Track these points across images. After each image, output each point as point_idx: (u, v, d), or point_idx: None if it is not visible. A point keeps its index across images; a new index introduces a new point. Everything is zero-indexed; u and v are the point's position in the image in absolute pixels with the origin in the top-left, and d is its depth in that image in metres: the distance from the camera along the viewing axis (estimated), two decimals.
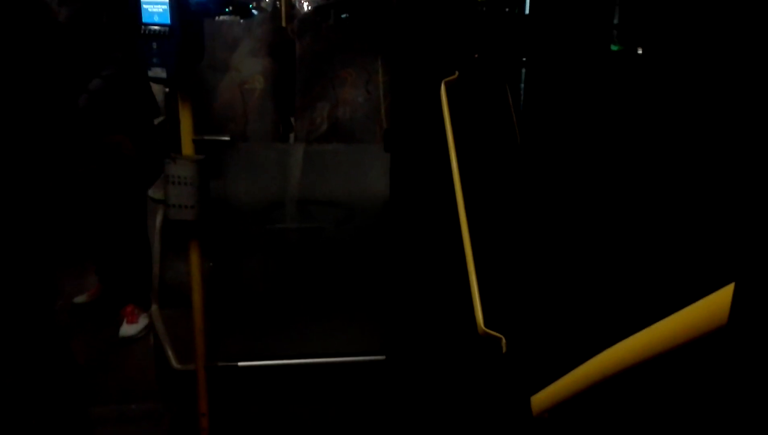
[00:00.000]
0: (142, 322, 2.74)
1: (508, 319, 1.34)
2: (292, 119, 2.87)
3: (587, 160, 1.57)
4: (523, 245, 1.60)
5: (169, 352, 2.01)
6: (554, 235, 1.56)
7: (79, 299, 2.90)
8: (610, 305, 1.21)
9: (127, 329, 2.73)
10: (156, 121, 4.42)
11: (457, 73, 1.66)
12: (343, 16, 3.08)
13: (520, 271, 1.54)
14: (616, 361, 0.80)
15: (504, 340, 1.31)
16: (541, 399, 1.06)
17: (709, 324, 0.55)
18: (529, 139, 1.79)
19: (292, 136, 2.87)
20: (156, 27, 1.67)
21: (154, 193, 2.36)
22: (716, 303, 0.54)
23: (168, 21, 1.67)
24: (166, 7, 1.66)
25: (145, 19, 1.68)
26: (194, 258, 1.84)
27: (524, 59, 1.95)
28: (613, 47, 1.78)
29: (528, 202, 1.70)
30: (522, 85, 2.03)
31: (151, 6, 1.68)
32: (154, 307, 2.30)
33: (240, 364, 1.95)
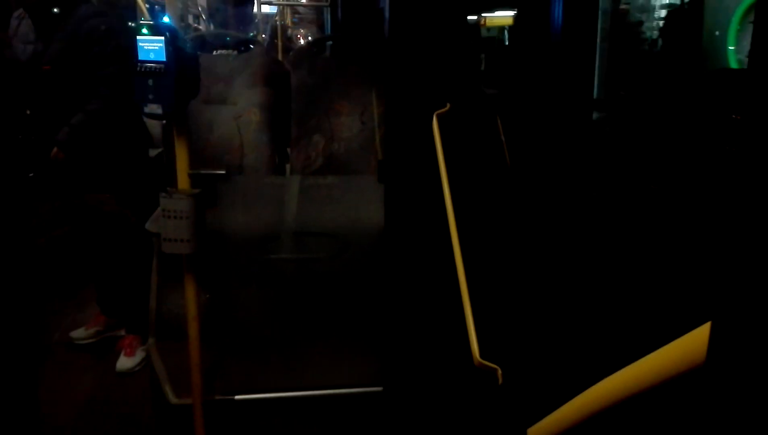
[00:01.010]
0: (140, 355, 2.71)
1: (504, 350, 1.34)
2: (288, 150, 2.89)
3: (579, 188, 1.59)
4: (517, 275, 1.60)
5: (166, 387, 2.00)
6: (548, 265, 1.57)
7: (77, 334, 2.88)
8: (606, 335, 1.22)
9: (125, 362, 2.69)
10: (153, 154, 4.46)
11: (448, 105, 1.68)
12: (329, 43, 3.14)
13: (515, 300, 1.54)
14: (611, 392, 0.80)
15: (500, 371, 1.31)
16: (538, 431, 1.06)
17: (688, 362, 0.56)
18: (520, 168, 1.81)
19: (288, 166, 2.90)
20: (152, 64, 1.70)
21: (150, 226, 2.38)
22: (694, 342, 0.55)
23: (164, 58, 1.70)
24: (161, 45, 1.69)
25: (140, 56, 1.71)
26: (190, 291, 1.85)
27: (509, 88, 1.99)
28: None
29: (521, 231, 1.72)
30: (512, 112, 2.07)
31: (147, 44, 1.71)
32: (150, 341, 2.30)
33: (237, 397, 1.94)
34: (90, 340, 2.86)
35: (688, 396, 0.63)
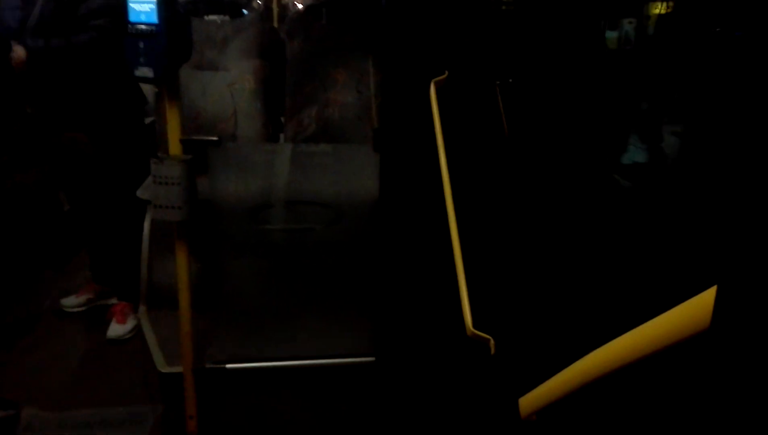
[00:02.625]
0: (131, 322, 2.67)
1: (497, 320, 1.33)
2: (283, 119, 2.85)
3: (575, 157, 1.57)
4: (511, 245, 1.59)
5: (157, 355, 1.99)
6: (542, 234, 1.55)
7: (68, 302, 2.85)
8: (600, 305, 1.21)
9: (116, 329, 2.64)
10: (147, 121, 4.40)
11: (446, 72, 1.65)
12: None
13: (508, 271, 1.53)
14: (603, 363, 0.79)
15: (492, 342, 1.30)
16: (530, 401, 1.05)
17: (692, 327, 0.54)
18: (518, 137, 1.78)
19: (282, 136, 2.86)
20: (143, 26, 1.65)
21: (141, 193, 2.34)
22: (699, 306, 0.53)
23: (155, 20, 1.65)
24: (153, 6, 1.64)
25: (131, 18, 1.66)
26: (181, 259, 1.83)
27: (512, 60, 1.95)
28: None
29: (516, 201, 1.70)
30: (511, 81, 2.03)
31: (138, 5, 1.66)
32: (142, 309, 2.29)
33: (228, 366, 1.93)
34: (81, 308, 2.83)
35: (689, 364, 0.61)
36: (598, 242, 1.36)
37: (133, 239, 2.57)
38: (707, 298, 0.53)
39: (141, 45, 1.68)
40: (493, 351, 1.25)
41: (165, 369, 1.96)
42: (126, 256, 2.61)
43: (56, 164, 2.70)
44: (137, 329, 2.55)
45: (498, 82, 1.77)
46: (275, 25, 3.96)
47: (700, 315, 0.55)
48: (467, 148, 1.70)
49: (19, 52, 2.36)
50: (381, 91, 2.04)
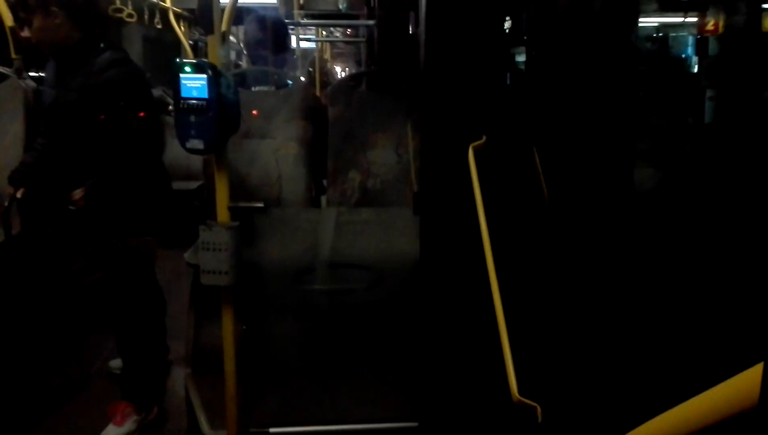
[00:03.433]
0: (128, 426, 2.44)
1: (544, 387, 1.31)
2: (324, 182, 2.93)
3: (617, 223, 1.56)
4: (555, 309, 1.57)
5: (202, 419, 2.00)
6: (586, 300, 1.53)
7: (115, 364, 2.83)
8: (647, 375, 1.18)
9: (109, 432, 2.42)
10: (194, 186, 4.55)
11: (484, 137, 1.68)
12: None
13: (554, 336, 1.51)
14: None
15: (539, 409, 1.27)
16: None
17: (741, 403, 0.54)
18: (558, 202, 1.79)
19: (324, 198, 2.93)
20: (194, 101, 1.75)
21: (189, 257, 2.42)
22: (748, 381, 0.52)
23: (206, 95, 1.75)
24: (204, 82, 1.74)
25: (183, 93, 1.76)
26: (227, 323, 1.86)
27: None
28: None
29: (558, 265, 1.69)
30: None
31: (190, 81, 1.76)
32: (187, 372, 2.32)
33: (272, 430, 1.93)
34: None
35: None
36: (643, 308, 1.33)
37: (141, 339, 2.47)
38: (754, 374, 0.53)
39: (192, 119, 1.77)
40: (540, 419, 1.22)
41: (210, 432, 1.96)
42: (133, 355, 2.48)
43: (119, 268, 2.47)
44: (135, 433, 2.43)
45: (535, 147, 1.79)
46: (317, 92, 4.13)
47: (749, 390, 0.54)
48: (507, 210, 1.71)
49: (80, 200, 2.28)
50: (420, 154, 2.09)
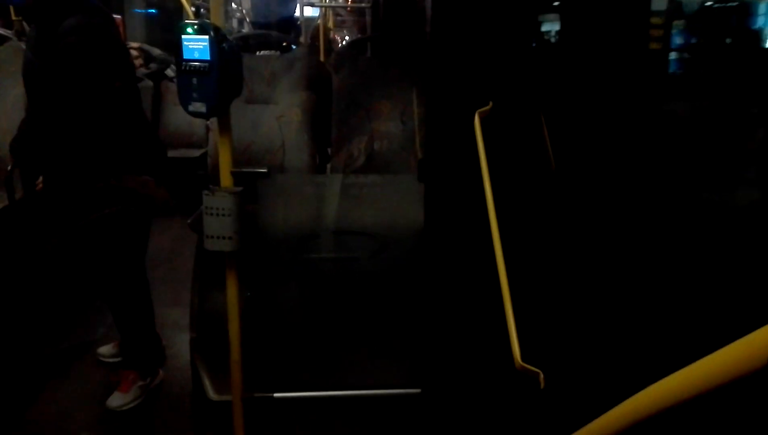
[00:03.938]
0: (134, 393, 2.45)
1: (547, 353, 1.31)
2: (329, 150, 2.91)
3: (624, 188, 1.54)
4: (560, 276, 1.57)
5: (207, 383, 2.02)
6: (592, 266, 1.52)
7: (105, 350, 2.77)
8: (653, 339, 1.17)
9: (114, 399, 2.43)
10: (198, 154, 4.53)
11: (491, 103, 1.65)
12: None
13: (558, 302, 1.50)
14: (656, 400, 0.77)
15: (542, 376, 1.27)
16: None
17: (750, 364, 0.53)
18: (565, 168, 1.77)
19: (328, 166, 2.92)
20: (196, 63, 1.72)
21: (193, 223, 2.41)
22: (757, 342, 0.52)
23: (208, 57, 1.72)
24: (206, 44, 1.71)
25: (185, 55, 1.73)
26: (231, 289, 1.87)
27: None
28: None
29: (564, 232, 1.67)
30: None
31: (192, 43, 1.73)
32: (192, 337, 2.34)
33: (276, 395, 1.95)
34: (116, 359, 2.70)
35: (748, 400, 0.59)
36: (653, 270, 1.32)
37: (141, 297, 2.46)
38: (763, 334, 0.52)
39: (194, 81, 1.75)
40: (542, 385, 1.22)
41: (215, 397, 1.99)
42: (128, 321, 2.47)
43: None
44: (140, 399, 2.43)
45: (543, 114, 1.77)
46: (321, 59, 4.07)
47: (759, 351, 0.53)
48: (513, 177, 1.70)
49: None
50: (425, 121, 2.06)
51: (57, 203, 2.33)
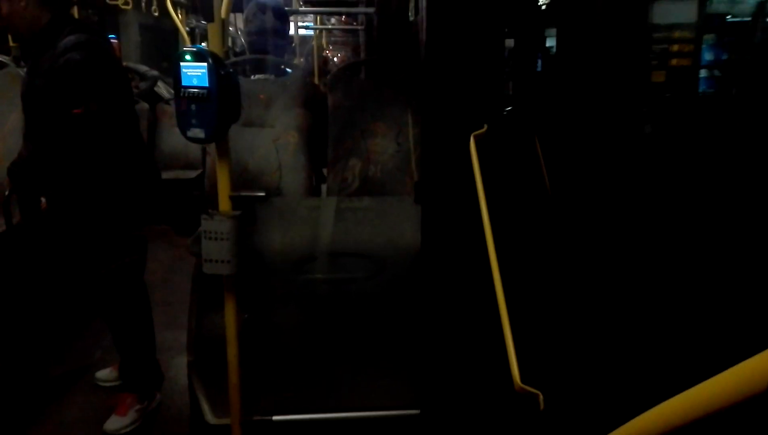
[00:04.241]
0: (131, 416, 2.44)
1: (546, 375, 1.32)
2: (324, 171, 2.93)
3: (620, 212, 1.56)
4: (558, 299, 1.58)
5: (205, 407, 2.01)
6: (589, 289, 1.54)
7: (102, 375, 2.75)
8: (650, 362, 1.19)
9: (112, 422, 2.42)
10: (193, 175, 4.54)
11: (485, 126, 1.68)
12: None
13: (556, 324, 1.52)
14: (656, 423, 0.78)
15: (541, 397, 1.28)
16: None
17: (750, 388, 0.54)
18: (560, 192, 1.79)
19: (324, 187, 2.93)
20: (195, 90, 1.74)
21: (192, 246, 2.42)
22: (758, 366, 0.53)
23: (206, 84, 1.74)
24: (204, 71, 1.73)
25: (183, 82, 1.75)
26: (229, 312, 1.87)
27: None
28: None
29: (561, 254, 1.69)
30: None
31: (191, 70, 1.75)
32: (189, 360, 2.33)
33: (274, 418, 1.94)
34: (114, 383, 2.68)
35: (747, 425, 0.60)
36: (646, 297, 1.34)
37: (140, 321, 2.45)
38: (764, 358, 0.53)
39: (193, 108, 1.76)
40: (542, 406, 1.23)
41: (213, 420, 1.98)
42: (128, 343, 2.45)
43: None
44: (138, 423, 2.43)
45: (536, 136, 1.79)
46: (316, 81, 4.11)
47: (759, 376, 0.54)
48: (509, 200, 1.72)
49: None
50: (420, 143, 2.09)
51: (73, 243, 2.33)
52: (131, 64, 5.23)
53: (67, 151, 2.22)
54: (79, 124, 2.16)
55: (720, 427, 0.72)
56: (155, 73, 5.19)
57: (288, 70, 3.24)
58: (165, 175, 4.79)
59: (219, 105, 1.74)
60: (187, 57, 1.74)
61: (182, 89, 1.75)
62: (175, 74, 1.76)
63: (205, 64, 1.73)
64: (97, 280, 2.36)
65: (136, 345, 2.46)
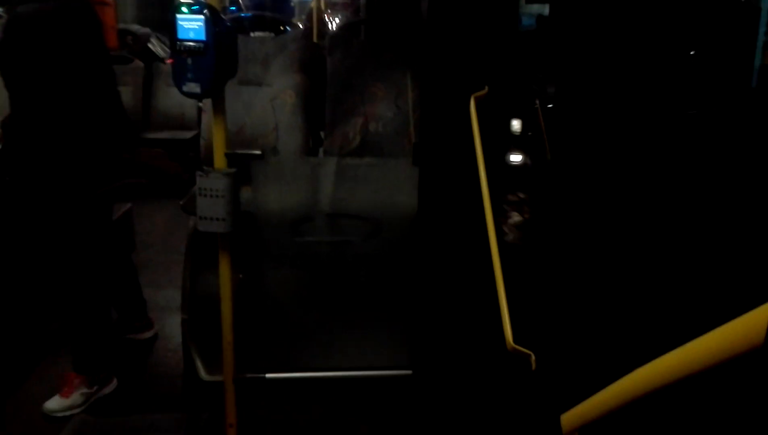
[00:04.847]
0: (74, 399, 2.27)
1: (538, 335, 1.33)
2: (322, 133, 2.90)
3: (618, 177, 1.56)
4: (552, 260, 1.58)
5: (198, 363, 2.03)
6: (584, 250, 1.54)
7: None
8: (644, 321, 1.19)
9: (51, 402, 2.26)
10: (189, 136, 4.50)
11: (486, 88, 1.66)
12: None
13: (549, 286, 1.52)
14: (648, 380, 0.78)
15: (533, 357, 1.29)
16: (572, 417, 1.04)
17: (744, 344, 0.54)
18: (559, 155, 1.78)
19: (321, 150, 2.91)
20: (191, 43, 1.70)
21: (185, 204, 2.40)
22: (752, 323, 0.53)
23: (203, 37, 1.70)
24: (201, 24, 1.69)
25: (180, 35, 1.71)
26: (224, 270, 1.86)
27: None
28: None
29: (557, 217, 1.69)
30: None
31: (187, 23, 1.71)
32: (183, 317, 2.34)
33: (268, 375, 1.96)
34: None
35: (740, 382, 0.61)
36: (640, 254, 1.34)
37: (85, 302, 2.32)
38: (761, 314, 0.53)
39: (189, 61, 1.73)
40: (534, 366, 1.24)
41: (207, 377, 1.99)
42: (78, 317, 2.32)
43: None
44: (80, 408, 2.26)
45: (538, 102, 1.77)
46: (315, 41, 4.04)
47: (753, 331, 0.54)
48: (507, 163, 1.71)
49: None
50: (419, 105, 2.06)
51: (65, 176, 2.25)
52: (122, 25, 5.15)
53: (34, 105, 2.18)
54: (40, 80, 2.12)
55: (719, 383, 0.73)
56: (147, 30, 5.11)
57: (287, 28, 3.18)
58: (160, 135, 4.79)
59: (216, 59, 1.70)
60: (184, 9, 1.70)
61: (178, 42, 1.71)
62: (170, 27, 1.72)
63: (202, 17, 1.69)
64: (64, 235, 2.29)
65: (89, 321, 2.31)
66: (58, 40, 2.14)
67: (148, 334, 2.76)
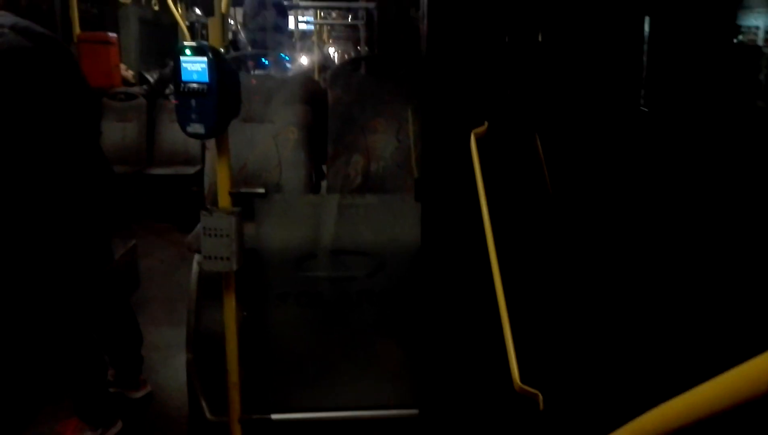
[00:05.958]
0: None
1: (546, 375, 1.31)
2: (324, 167, 2.92)
3: (620, 211, 1.56)
4: (559, 298, 1.57)
5: (204, 404, 2.01)
6: (590, 289, 1.53)
7: None
8: (652, 362, 1.18)
9: None
10: (192, 171, 4.53)
11: (486, 123, 1.67)
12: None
13: (556, 324, 1.51)
14: (657, 424, 0.77)
15: (541, 397, 1.28)
16: None
17: (753, 389, 0.53)
18: (561, 190, 1.78)
19: (324, 183, 2.92)
20: (195, 85, 1.73)
21: (191, 242, 2.41)
22: (760, 367, 0.52)
23: (206, 79, 1.73)
24: (204, 66, 1.72)
25: (184, 77, 1.74)
26: (229, 310, 1.86)
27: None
28: None
29: (562, 254, 1.68)
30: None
31: (191, 64, 1.74)
32: (188, 357, 2.32)
33: (273, 416, 1.94)
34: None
35: (749, 426, 0.60)
36: (648, 296, 1.33)
37: (83, 352, 2.24)
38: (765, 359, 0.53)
39: (193, 103, 1.75)
40: (542, 407, 1.23)
41: (212, 418, 1.97)
42: (77, 370, 2.24)
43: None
44: None
45: (537, 134, 1.78)
46: (316, 76, 4.10)
47: (762, 376, 0.54)
48: (509, 198, 1.71)
49: None
50: (421, 140, 2.08)
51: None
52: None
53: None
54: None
55: (721, 428, 0.72)
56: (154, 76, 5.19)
57: (288, 66, 3.22)
58: (164, 171, 4.83)
59: (219, 100, 1.73)
60: (187, 51, 1.73)
61: (182, 84, 1.74)
62: (174, 69, 1.75)
63: (206, 58, 1.72)
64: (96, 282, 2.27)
65: (84, 371, 2.24)
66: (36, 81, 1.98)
67: (140, 393, 2.61)
